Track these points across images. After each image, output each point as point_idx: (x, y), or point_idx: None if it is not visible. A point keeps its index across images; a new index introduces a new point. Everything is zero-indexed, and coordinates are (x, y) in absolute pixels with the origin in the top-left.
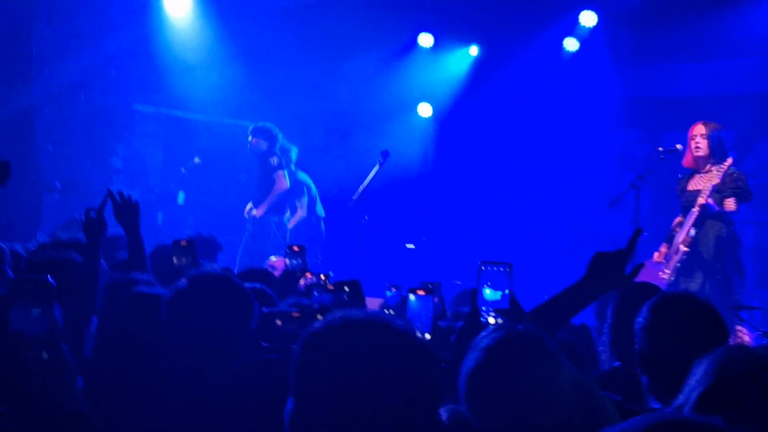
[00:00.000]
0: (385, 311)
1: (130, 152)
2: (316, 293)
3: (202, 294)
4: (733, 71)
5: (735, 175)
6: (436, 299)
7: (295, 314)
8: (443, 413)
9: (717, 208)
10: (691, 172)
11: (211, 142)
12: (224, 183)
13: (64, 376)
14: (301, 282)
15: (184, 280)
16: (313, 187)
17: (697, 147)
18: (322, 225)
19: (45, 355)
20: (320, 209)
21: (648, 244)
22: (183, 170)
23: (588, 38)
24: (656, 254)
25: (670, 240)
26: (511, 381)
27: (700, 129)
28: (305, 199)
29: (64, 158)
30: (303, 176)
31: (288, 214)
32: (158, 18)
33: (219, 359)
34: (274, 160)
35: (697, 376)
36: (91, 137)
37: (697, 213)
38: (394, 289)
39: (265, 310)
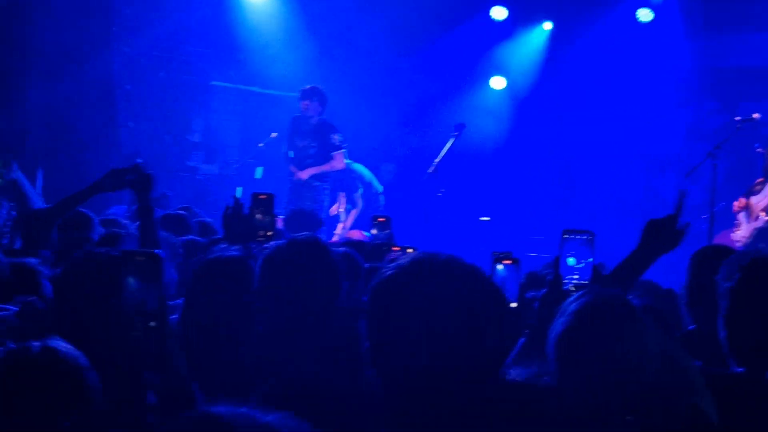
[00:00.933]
0: None
1: (208, 127)
2: None
3: (297, 257)
4: None
5: None
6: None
7: None
8: (512, 373)
9: None
10: None
11: (287, 117)
12: None
13: (168, 344)
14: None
15: (280, 242)
16: (365, 172)
17: None
18: (381, 198)
19: (152, 323)
20: (377, 185)
21: (724, 215)
22: (261, 145)
23: (662, 8)
24: (735, 204)
25: (748, 195)
26: (600, 345)
27: None
28: (361, 192)
29: (145, 134)
30: (356, 167)
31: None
32: None
33: (307, 323)
34: (337, 138)
35: None
36: (170, 113)
37: None
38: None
39: (367, 265)
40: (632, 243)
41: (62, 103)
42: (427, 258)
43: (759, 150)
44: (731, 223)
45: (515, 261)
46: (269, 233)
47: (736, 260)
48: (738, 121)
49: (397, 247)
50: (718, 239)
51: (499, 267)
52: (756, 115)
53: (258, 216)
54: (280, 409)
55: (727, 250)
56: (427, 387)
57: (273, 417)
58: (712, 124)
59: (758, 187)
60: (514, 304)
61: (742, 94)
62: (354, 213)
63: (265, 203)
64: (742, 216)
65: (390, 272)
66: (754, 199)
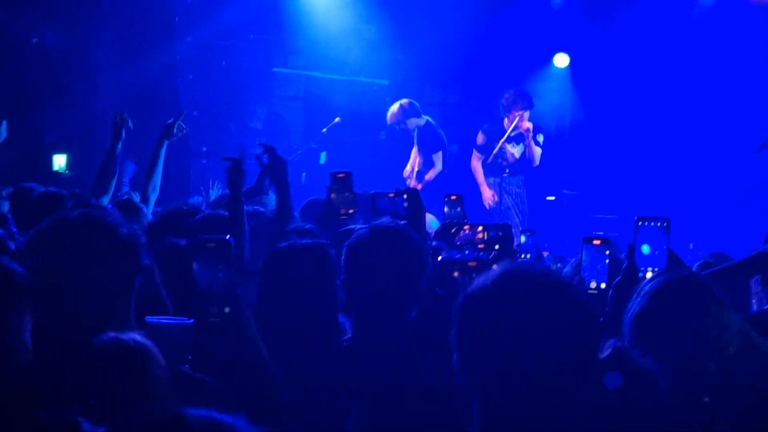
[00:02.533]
0: (522, 256)
1: (270, 114)
2: (467, 251)
3: (382, 245)
4: None
5: None
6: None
7: (472, 263)
8: (607, 348)
9: None
10: None
11: (350, 102)
12: (364, 142)
13: (243, 329)
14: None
15: (363, 229)
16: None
17: None
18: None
19: (227, 309)
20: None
21: None
22: (324, 130)
23: None
24: None
25: None
26: (678, 323)
27: None
28: (441, 153)
29: (208, 123)
30: (439, 131)
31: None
32: None
33: (390, 311)
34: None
35: None
36: (232, 101)
37: None
38: (528, 234)
39: (443, 257)
40: (710, 221)
41: (128, 94)
42: (516, 273)
43: None
44: None
45: (605, 242)
46: (351, 211)
47: None
48: None
49: (468, 225)
50: None
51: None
52: None
53: (335, 195)
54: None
55: None
56: (522, 394)
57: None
58: None
59: None
60: (603, 285)
61: None
62: (432, 173)
63: (342, 182)
64: None
65: (481, 287)
66: None
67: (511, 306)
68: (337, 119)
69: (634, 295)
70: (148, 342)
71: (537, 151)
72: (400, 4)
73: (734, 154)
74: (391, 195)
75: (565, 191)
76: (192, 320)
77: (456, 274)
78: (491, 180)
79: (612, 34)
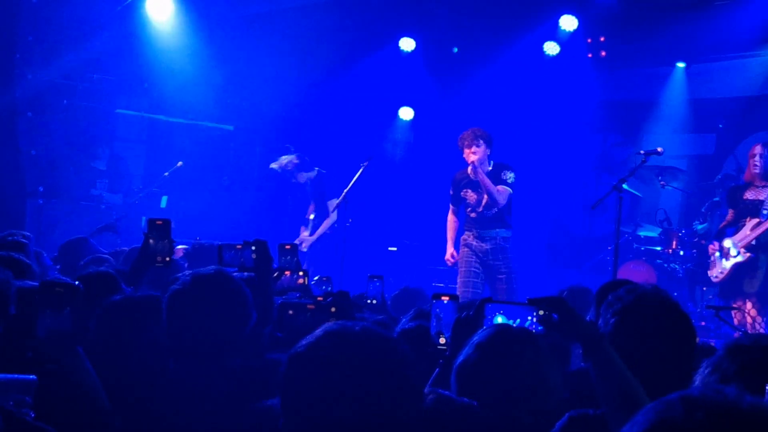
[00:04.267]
0: (368, 302)
1: (113, 156)
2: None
3: (202, 292)
4: (711, 73)
5: None
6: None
7: (310, 306)
8: (430, 396)
9: None
10: (748, 184)
11: (194, 146)
12: (207, 186)
13: (84, 376)
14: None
15: (185, 278)
16: None
17: (755, 165)
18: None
19: (66, 356)
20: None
21: (628, 245)
22: (166, 174)
23: (568, 42)
24: (710, 247)
25: (720, 237)
26: (496, 373)
27: (758, 149)
28: (334, 202)
29: (47, 162)
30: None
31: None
32: (141, 22)
33: (216, 360)
34: None
35: None
36: (73, 141)
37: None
38: (375, 280)
39: (279, 300)
40: (540, 276)
41: None
42: (337, 333)
43: (662, 183)
44: (635, 256)
45: (453, 297)
46: (167, 259)
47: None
48: (642, 154)
49: (288, 271)
50: (622, 271)
51: (439, 304)
52: (660, 149)
53: (153, 241)
54: None
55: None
56: None
57: None
58: (616, 156)
59: (728, 227)
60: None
61: (645, 126)
62: (326, 223)
63: (161, 228)
64: (716, 255)
65: (305, 346)
66: (734, 238)
67: (331, 365)
68: (179, 163)
69: (466, 347)
70: None
71: (502, 191)
72: (248, 50)
73: (568, 211)
74: (239, 246)
75: (406, 242)
76: (34, 376)
77: (291, 312)
78: (468, 235)
79: (454, 89)
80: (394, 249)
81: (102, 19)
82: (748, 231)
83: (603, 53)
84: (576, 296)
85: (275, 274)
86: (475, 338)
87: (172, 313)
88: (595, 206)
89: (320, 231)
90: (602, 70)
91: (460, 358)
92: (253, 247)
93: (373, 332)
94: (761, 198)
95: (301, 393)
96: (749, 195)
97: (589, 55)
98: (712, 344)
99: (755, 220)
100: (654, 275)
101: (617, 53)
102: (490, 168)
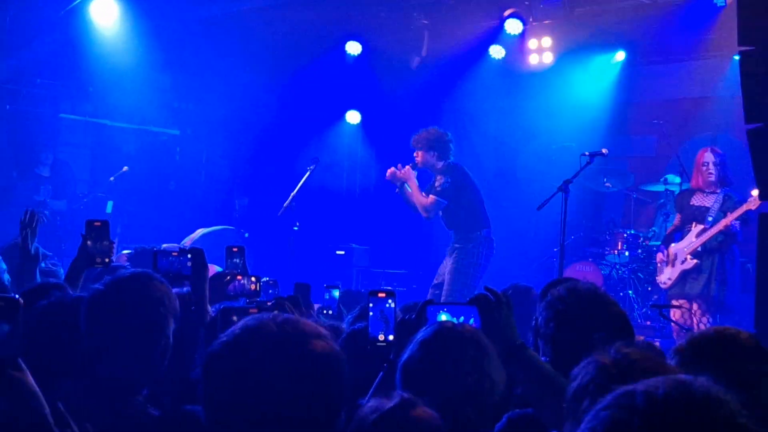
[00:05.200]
0: (324, 312)
1: (57, 161)
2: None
3: (118, 296)
4: (654, 76)
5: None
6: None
7: (253, 310)
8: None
9: (739, 229)
10: (695, 190)
11: (140, 151)
12: (153, 191)
13: (28, 397)
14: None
15: (102, 283)
16: None
17: (709, 173)
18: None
19: (11, 374)
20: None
21: (575, 246)
22: (111, 179)
23: (513, 45)
24: (659, 256)
25: (667, 243)
26: (440, 370)
27: (709, 156)
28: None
29: None
30: None
31: None
32: (85, 26)
33: (127, 364)
34: None
35: None
36: (17, 146)
37: (715, 230)
38: (332, 290)
39: (224, 305)
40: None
41: None
42: (255, 329)
43: (607, 185)
44: (580, 257)
45: (390, 294)
46: (107, 260)
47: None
48: (587, 155)
49: (240, 275)
50: (569, 271)
51: (373, 301)
52: (604, 150)
53: (92, 244)
54: None
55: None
56: None
57: None
58: (561, 157)
59: (672, 236)
60: (391, 337)
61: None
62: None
63: (99, 230)
64: (663, 263)
65: (222, 342)
66: (679, 245)
67: (246, 362)
68: (125, 168)
69: (410, 344)
70: None
71: (424, 201)
72: (194, 54)
73: (515, 212)
74: (175, 254)
75: (354, 245)
76: None
77: (235, 318)
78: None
79: (400, 93)
80: (342, 252)
81: (45, 23)
82: (693, 238)
83: (547, 56)
84: (518, 294)
85: (227, 278)
86: (419, 336)
87: (89, 317)
88: (540, 207)
89: None
90: (547, 71)
91: (405, 356)
92: (190, 255)
93: (292, 327)
94: (707, 205)
95: (219, 389)
96: (696, 201)
97: (533, 59)
98: (657, 343)
99: (700, 227)
100: (600, 275)
101: (561, 55)
102: (440, 170)
